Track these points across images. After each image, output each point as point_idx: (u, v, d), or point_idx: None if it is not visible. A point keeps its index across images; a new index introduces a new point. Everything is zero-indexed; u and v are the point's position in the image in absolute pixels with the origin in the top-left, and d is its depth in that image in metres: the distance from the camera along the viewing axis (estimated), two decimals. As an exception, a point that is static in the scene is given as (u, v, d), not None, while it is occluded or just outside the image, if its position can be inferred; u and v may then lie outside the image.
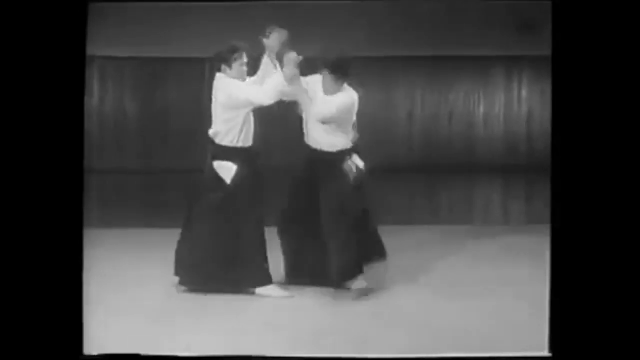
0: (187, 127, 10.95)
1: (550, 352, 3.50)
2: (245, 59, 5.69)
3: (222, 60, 5.67)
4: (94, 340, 3.73)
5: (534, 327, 3.59)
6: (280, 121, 6.05)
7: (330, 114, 5.39)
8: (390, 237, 5.73)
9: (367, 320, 4.72)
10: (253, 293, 5.44)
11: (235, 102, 5.59)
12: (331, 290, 5.25)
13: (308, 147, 5.59)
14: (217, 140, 5.62)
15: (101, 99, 10.76)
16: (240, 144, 5.59)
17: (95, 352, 3.75)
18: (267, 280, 5.54)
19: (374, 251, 5.50)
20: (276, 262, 5.47)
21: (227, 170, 5.56)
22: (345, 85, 5.52)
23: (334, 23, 8.59)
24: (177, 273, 5.58)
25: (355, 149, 5.64)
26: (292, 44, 5.70)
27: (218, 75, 5.71)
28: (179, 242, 5.62)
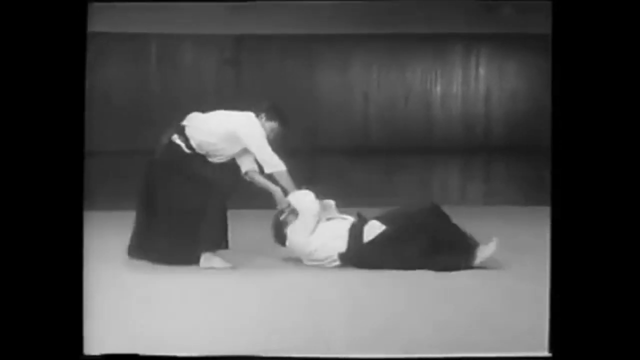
0: (190, 108, 11.12)
1: (550, 352, 3.45)
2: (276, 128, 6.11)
3: (270, 113, 6.07)
4: (94, 340, 3.71)
5: (534, 327, 3.54)
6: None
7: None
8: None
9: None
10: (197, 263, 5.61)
11: (248, 143, 5.98)
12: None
13: None
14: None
15: (102, 78, 10.60)
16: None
17: (95, 352, 3.71)
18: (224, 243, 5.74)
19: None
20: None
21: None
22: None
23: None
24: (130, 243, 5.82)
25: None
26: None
27: (251, 114, 6.04)
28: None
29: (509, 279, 4.59)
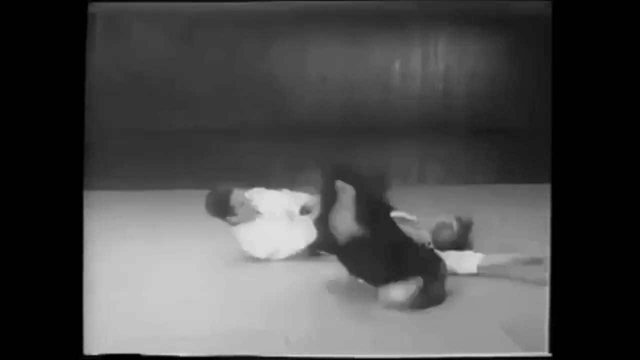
0: (192, 87, 10.87)
1: (550, 352, 3.46)
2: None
3: None
4: (94, 340, 3.67)
5: (533, 327, 3.56)
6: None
7: None
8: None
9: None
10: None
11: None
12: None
13: None
14: None
15: (102, 56, 10.35)
16: None
17: (95, 352, 3.69)
18: None
19: None
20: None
21: None
22: None
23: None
24: None
25: None
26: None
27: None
28: None
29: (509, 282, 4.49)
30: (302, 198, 5.64)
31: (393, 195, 5.02)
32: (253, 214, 5.42)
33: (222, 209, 5.38)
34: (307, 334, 3.92)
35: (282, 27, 10.52)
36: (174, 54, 10.89)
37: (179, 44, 10.94)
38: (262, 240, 5.30)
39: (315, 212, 5.19)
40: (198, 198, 6.64)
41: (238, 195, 5.42)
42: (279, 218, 5.44)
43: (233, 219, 5.37)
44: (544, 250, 5.21)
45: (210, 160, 9.31)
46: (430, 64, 11.53)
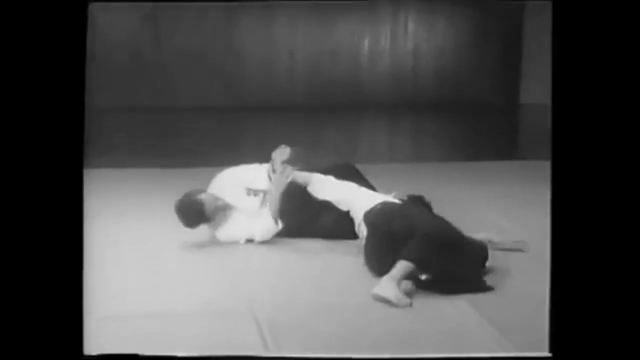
0: (193, 64, 10.95)
1: (550, 352, 3.44)
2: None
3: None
4: (94, 340, 3.71)
5: (534, 327, 3.54)
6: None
7: None
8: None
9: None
10: None
11: None
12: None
13: None
14: None
15: (103, 39, 10.28)
16: None
17: (95, 352, 3.71)
18: None
19: None
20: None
21: None
22: None
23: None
24: None
25: None
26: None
27: None
28: None
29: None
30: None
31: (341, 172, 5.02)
32: (227, 211, 5.16)
33: (197, 218, 5.05)
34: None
35: (248, 3, 10.42)
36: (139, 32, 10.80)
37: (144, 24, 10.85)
38: (242, 229, 5.13)
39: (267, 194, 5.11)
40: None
41: (209, 200, 5.07)
42: (250, 203, 5.28)
43: (211, 224, 5.09)
44: (514, 228, 5.21)
45: (175, 139, 9.20)
46: (399, 41, 11.50)
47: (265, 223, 5.11)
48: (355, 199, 4.82)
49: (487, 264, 4.43)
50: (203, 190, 5.16)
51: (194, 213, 5.05)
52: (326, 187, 5.00)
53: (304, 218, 5.17)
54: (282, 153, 5.25)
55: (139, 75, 10.93)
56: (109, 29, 10.40)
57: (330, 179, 5.00)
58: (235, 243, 5.12)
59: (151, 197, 6.07)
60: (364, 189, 4.94)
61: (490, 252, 4.47)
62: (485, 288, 4.21)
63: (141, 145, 8.66)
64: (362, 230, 4.63)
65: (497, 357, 3.54)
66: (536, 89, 10.81)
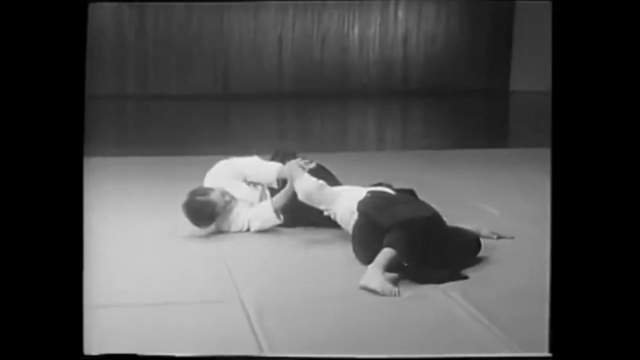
0: (193, 53, 10.95)
1: (550, 352, 3.41)
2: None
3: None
4: (94, 340, 3.66)
5: (534, 327, 3.50)
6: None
7: None
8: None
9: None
10: None
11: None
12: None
13: None
14: None
15: (102, 29, 10.18)
16: None
17: (95, 352, 3.67)
18: None
19: None
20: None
21: None
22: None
23: None
24: None
25: None
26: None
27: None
28: None
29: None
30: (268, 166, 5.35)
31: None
32: (232, 202, 5.06)
33: (209, 219, 4.92)
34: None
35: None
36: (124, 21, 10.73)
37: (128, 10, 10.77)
38: (245, 219, 5.05)
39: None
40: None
41: (219, 199, 4.94)
42: (249, 193, 5.19)
43: (217, 221, 4.99)
44: (503, 216, 5.17)
45: (165, 126, 9.14)
46: (389, 28, 11.45)
47: (267, 214, 5.06)
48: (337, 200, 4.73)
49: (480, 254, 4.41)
50: (210, 189, 5.03)
51: (206, 215, 4.96)
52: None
53: (304, 214, 5.12)
54: (305, 163, 5.10)
55: (125, 63, 10.86)
56: (96, 16, 10.32)
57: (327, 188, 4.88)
58: (239, 232, 5.08)
59: (135, 184, 6.02)
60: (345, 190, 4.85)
61: (482, 242, 4.43)
62: (459, 277, 4.17)
63: (129, 133, 8.61)
64: (352, 220, 4.59)
65: (497, 357, 3.53)
66: (527, 76, 10.77)
